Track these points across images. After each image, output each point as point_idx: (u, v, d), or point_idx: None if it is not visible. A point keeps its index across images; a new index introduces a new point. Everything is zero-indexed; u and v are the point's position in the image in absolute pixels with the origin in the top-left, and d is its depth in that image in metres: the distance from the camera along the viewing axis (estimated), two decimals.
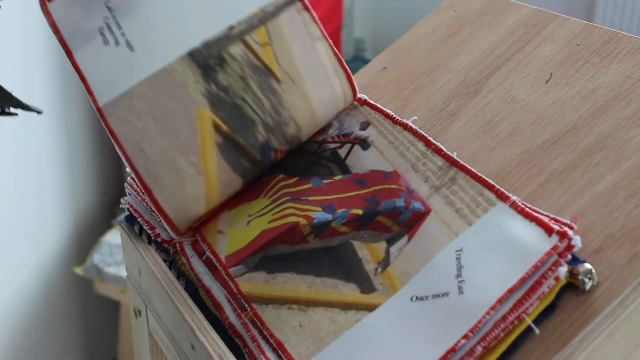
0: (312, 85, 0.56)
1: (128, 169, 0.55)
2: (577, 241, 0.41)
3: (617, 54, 0.53)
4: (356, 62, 2.46)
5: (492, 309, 0.40)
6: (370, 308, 0.45)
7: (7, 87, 0.60)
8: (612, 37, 0.55)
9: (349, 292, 0.46)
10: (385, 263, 0.47)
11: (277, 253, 0.50)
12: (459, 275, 0.43)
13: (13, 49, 1.38)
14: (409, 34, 0.67)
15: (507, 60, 0.58)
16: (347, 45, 2.46)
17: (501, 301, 0.40)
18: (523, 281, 0.40)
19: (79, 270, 1.59)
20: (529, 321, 0.40)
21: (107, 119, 0.53)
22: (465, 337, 0.40)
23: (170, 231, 0.53)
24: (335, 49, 0.58)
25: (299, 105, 0.55)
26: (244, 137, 0.54)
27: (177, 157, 0.53)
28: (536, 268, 0.41)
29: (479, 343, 0.40)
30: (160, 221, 0.55)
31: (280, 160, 0.56)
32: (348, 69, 0.58)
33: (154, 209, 0.53)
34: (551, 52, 0.57)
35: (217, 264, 0.51)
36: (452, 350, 0.40)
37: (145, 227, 0.56)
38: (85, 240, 1.66)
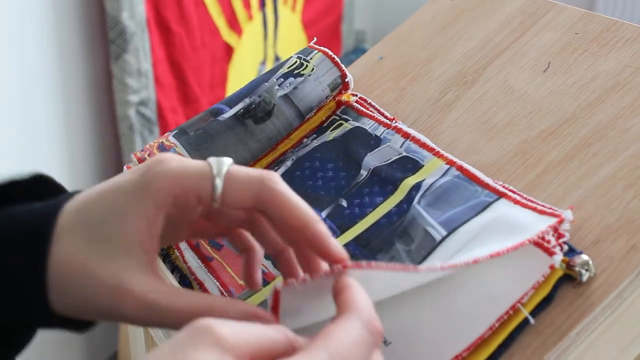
0: None
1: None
2: (568, 214, 0.41)
3: (615, 42, 0.53)
4: (356, 53, 2.45)
5: (466, 263, 0.39)
6: None
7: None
8: (610, 24, 0.54)
9: None
10: None
11: None
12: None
13: (10, 39, 1.37)
14: (406, 23, 0.67)
15: (505, 49, 0.57)
16: (348, 37, 2.44)
17: (477, 261, 0.39)
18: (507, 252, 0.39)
19: None
20: (524, 311, 0.39)
21: None
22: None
23: None
24: None
25: None
26: None
27: None
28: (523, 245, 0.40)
29: None
30: None
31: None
32: None
33: None
34: (549, 40, 0.56)
35: None
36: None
37: None
38: None
